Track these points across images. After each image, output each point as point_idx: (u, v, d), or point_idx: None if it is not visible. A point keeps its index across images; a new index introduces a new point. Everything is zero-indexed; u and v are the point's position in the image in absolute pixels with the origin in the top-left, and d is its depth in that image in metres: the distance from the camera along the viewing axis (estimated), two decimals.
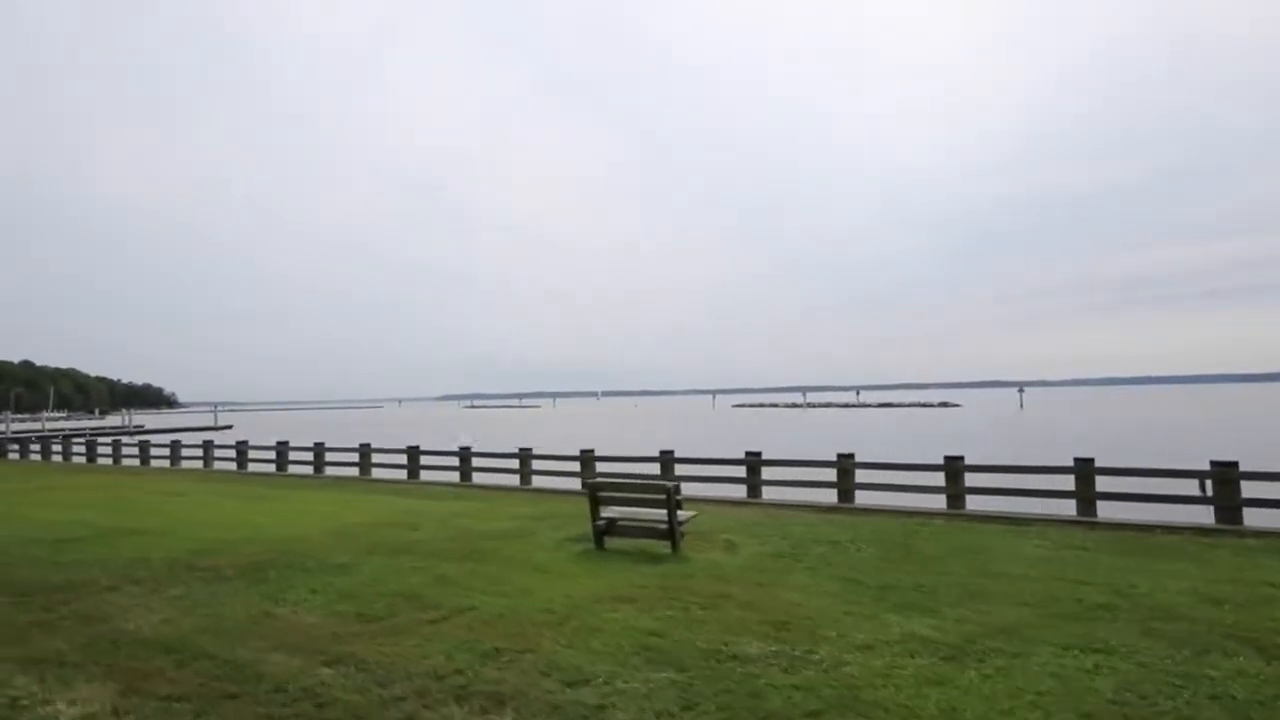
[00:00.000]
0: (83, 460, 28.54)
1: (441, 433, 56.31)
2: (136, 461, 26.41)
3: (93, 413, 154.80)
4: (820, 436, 44.33)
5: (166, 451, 25.25)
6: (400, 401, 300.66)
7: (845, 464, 13.97)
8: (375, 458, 20.64)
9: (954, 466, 12.89)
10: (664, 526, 8.84)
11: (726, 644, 5.26)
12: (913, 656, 4.96)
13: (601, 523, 9.18)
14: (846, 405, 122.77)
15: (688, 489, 14.69)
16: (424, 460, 19.57)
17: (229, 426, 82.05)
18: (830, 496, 13.76)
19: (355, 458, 20.69)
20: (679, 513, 8.88)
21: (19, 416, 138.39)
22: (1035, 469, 13.03)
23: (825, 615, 5.95)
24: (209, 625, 5.84)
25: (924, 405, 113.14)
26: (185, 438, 31.01)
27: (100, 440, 30.84)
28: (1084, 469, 11.85)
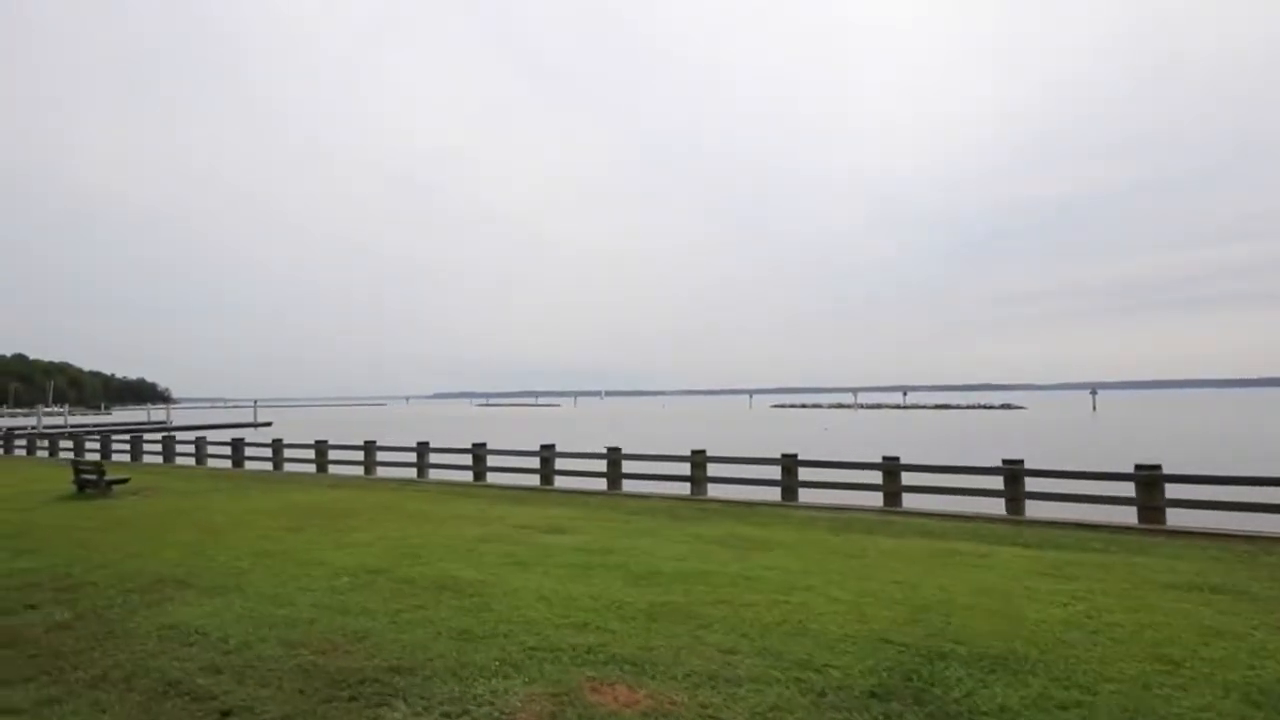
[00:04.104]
0: (126, 459, 24.24)
1: (547, 434, 50.62)
2: (192, 461, 23.11)
3: (97, 408, 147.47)
4: (984, 443, 39.30)
5: (228, 451, 22.57)
6: (407, 399, 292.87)
7: None
8: (711, 469, 15.14)
9: None
10: None
11: None
12: None
13: None
14: (898, 406, 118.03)
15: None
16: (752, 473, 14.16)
17: (269, 423, 76.18)
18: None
19: (684, 469, 15.12)
20: None
21: (16, 411, 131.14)
22: None
23: None
24: None
25: (985, 407, 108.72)
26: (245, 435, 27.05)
27: (147, 438, 25.21)
28: None
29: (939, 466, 13.16)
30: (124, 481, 15.36)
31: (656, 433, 48.50)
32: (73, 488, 15.35)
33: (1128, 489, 11.36)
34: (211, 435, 28.38)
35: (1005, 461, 12.16)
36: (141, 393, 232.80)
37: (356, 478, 18.88)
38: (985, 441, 38.40)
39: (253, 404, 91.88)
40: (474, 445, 17.98)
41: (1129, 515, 11.41)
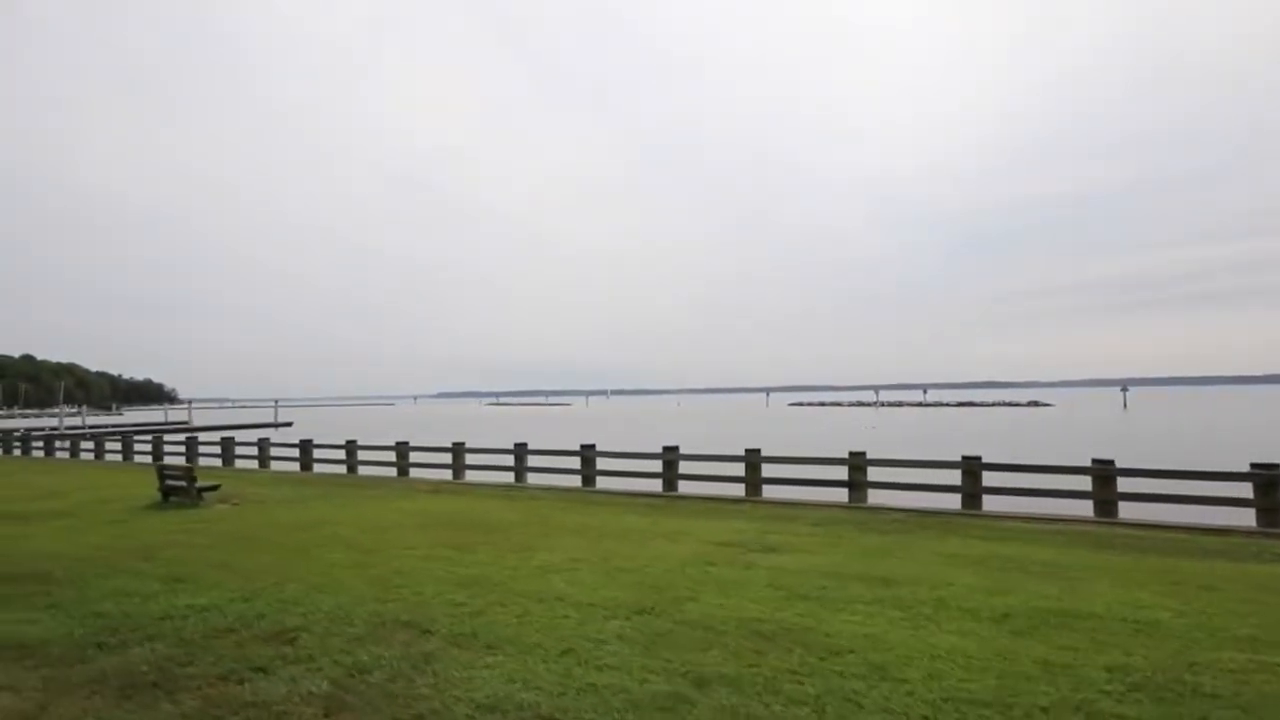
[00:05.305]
0: (180, 461, 22.30)
1: (639, 435, 49.06)
2: (254, 464, 21.70)
3: (107, 408, 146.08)
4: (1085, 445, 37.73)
5: (294, 454, 21.01)
6: (415, 398, 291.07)
7: None
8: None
9: None
10: None
11: None
12: None
13: None
14: (919, 404, 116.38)
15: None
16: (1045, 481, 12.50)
17: (289, 423, 74.67)
18: None
19: (826, 472, 13.53)
20: None
21: (27, 412, 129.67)
22: None
23: None
24: None
25: (1011, 404, 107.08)
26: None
27: (203, 439, 23.67)
28: None
29: (1163, 471, 11.58)
30: (214, 488, 13.81)
31: (720, 433, 46.93)
32: (156, 495, 13.82)
33: None
34: (241, 435, 26.88)
35: (1255, 466, 10.61)
36: (148, 393, 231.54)
37: (446, 482, 17.32)
38: (1079, 443, 36.81)
39: (271, 404, 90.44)
40: (583, 447, 16.44)
41: None
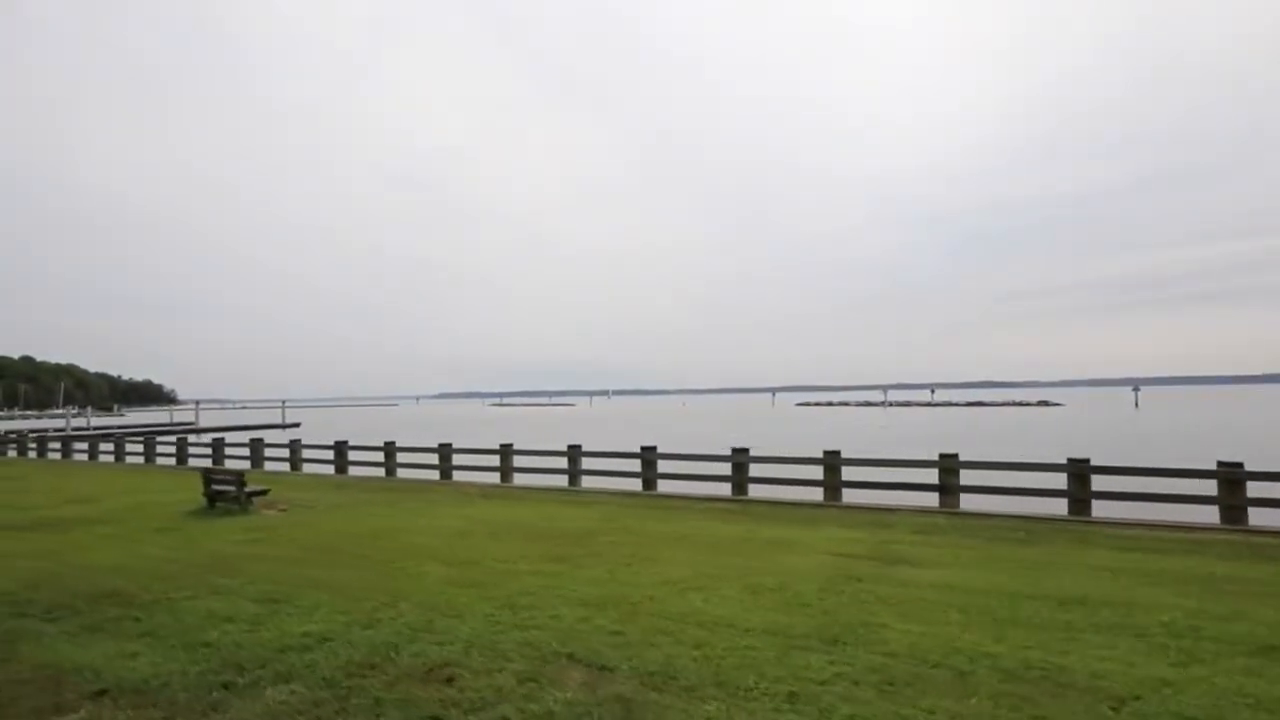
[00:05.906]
0: (206, 463, 21.15)
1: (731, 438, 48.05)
2: (284, 466, 20.71)
3: (108, 409, 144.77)
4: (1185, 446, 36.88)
5: (329, 456, 20.31)
6: (418, 399, 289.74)
7: None
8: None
9: None
10: None
11: None
12: None
13: None
14: (928, 404, 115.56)
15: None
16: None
17: (297, 424, 73.69)
18: None
19: (911, 475, 12.71)
20: None
21: (27, 414, 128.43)
22: None
23: None
24: None
25: (1021, 404, 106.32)
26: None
27: (229, 443, 22.21)
28: None
29: None
30: (264, 493, 12.95)
31: (737, 435, 46.03)
32: (195, 498, 12.98)
33: None
34: (269, 436, 25.87)
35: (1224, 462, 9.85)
36: (147, 394, 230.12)
37: (495, 486, 16.45)
38: (1113, 444, 36.02)
39: (271, 403, 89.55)
40: (643, 449, 15.60)
41: None
